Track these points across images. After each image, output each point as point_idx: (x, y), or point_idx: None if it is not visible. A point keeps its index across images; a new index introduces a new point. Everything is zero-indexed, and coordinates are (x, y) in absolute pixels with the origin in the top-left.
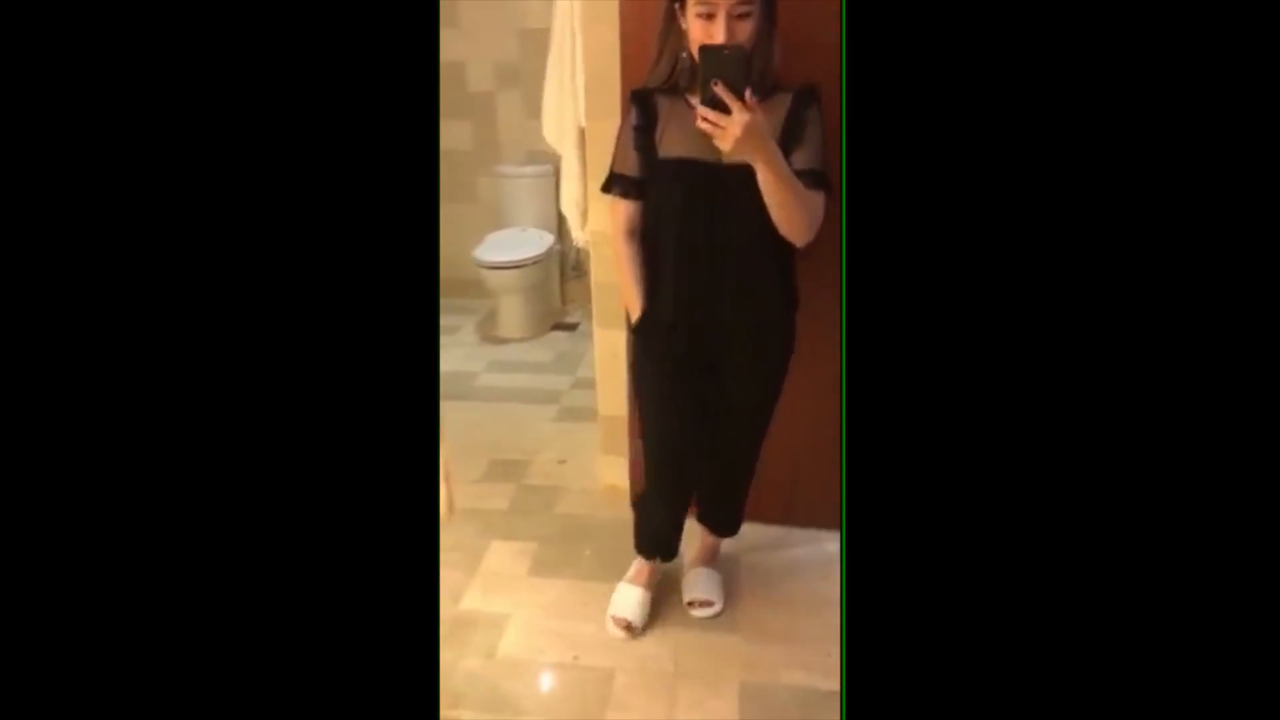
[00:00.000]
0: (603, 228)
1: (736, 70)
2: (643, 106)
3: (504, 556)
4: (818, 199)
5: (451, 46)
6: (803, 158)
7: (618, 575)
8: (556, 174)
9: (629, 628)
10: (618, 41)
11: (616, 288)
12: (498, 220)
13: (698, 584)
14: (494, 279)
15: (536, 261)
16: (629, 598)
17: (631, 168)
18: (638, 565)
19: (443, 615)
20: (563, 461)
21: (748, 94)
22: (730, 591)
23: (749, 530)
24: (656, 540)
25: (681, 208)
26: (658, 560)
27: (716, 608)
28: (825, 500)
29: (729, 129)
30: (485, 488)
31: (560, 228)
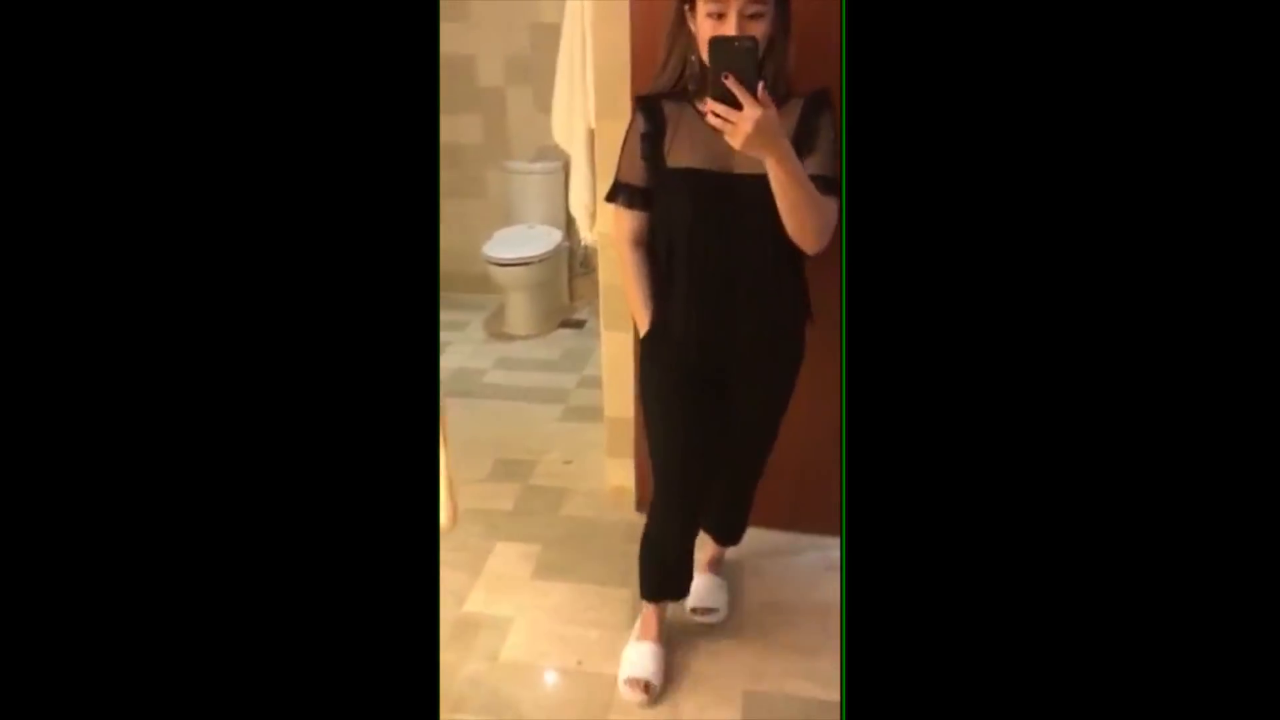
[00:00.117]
0: (610, 231)
1: (748, 63)
2: (649, 113)
3: (508, 558)
4: (831, 204)
5: (462, 40)
6: (815, 163)
7: (623, 579)
8: (566, 171)
9: (647, 689)
10: (628, 42)
11: (624, 289)
12: (507, 216)
13: (701, 591)
14: (502, 275)
15: (544, 259)
16: (642, 656)
17: (638, 177)
18: (645, 616)
19: (446, 617)
20: (568, 462)
21: (760, 88)
22: (734, 598)
23: (754, 535)
24: (665, 574)
25: (691, 220)
26: (667, 602)
27: (720, 614)
28: (831, 506)
29: (739, 125)
30: (490, 487)
31: (569, 225)
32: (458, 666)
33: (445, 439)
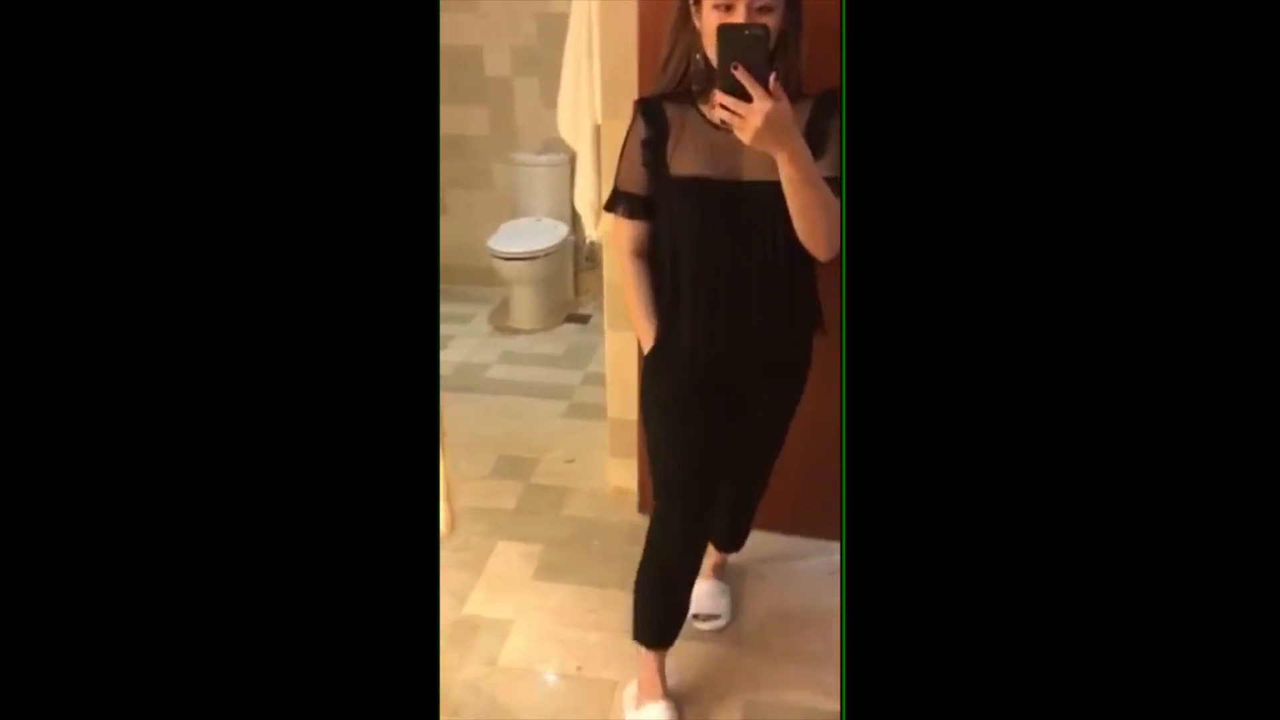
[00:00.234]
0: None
1: (759, 52)
2: (651, 118)
3: (510, 558)
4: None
5: (468, 30)
6: (825, 165)
7: (623, 582)
8: (573, 164)
9: None
10: (636, 37)
11: (625, 303)
12: (513, 208)
13: (704, 597)
14: (507, 269)
15: (550, 253)
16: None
17: (638, 185)
18: (646, 668)
19: (446, 618)
20: (571, 460)
21: (772, 79)
22: (737, 603)
23: (758, 539)
24: (670, 612)
25: (697, 230)
26: (666, 646)
27: (722, 621)
28: (835, 510)
29: (749, 118)
30: (493, 485)
31: (574, 218)
32: (456, 670)
33: (444, 443)
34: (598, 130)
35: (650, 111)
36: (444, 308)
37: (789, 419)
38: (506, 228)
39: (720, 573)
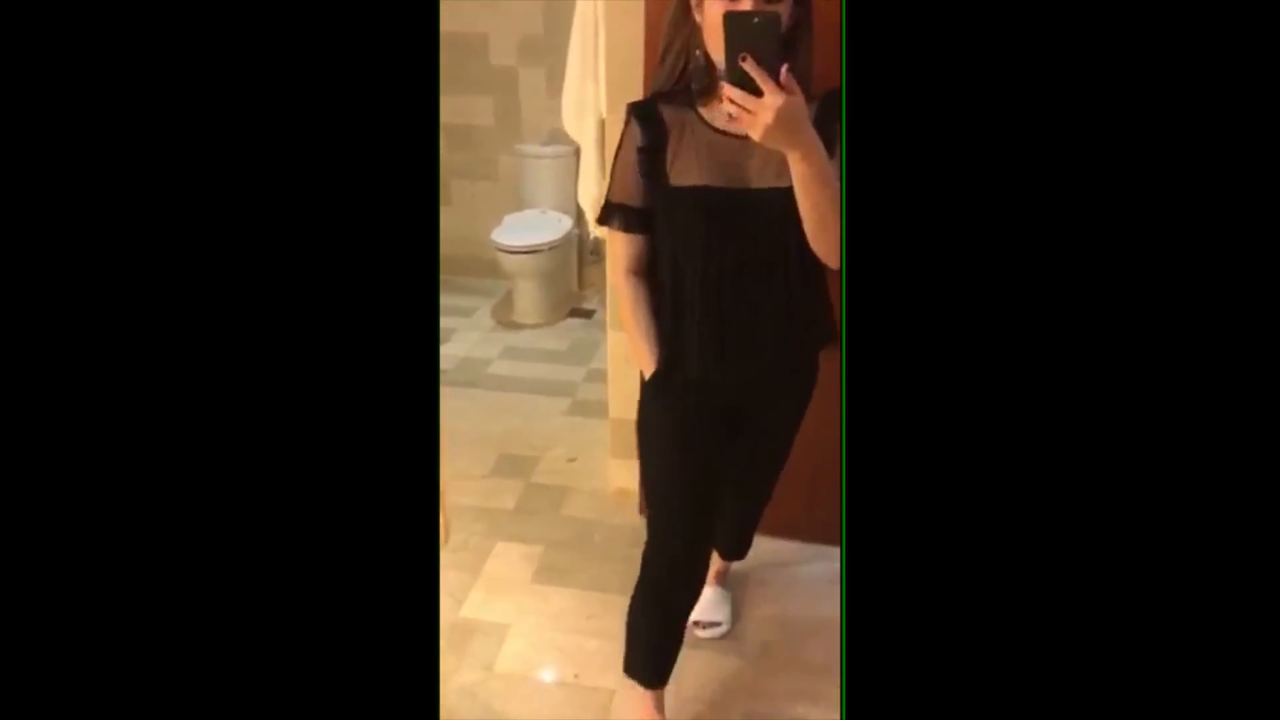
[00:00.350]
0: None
1: (769, 42)
2: (647, 123)
3: (509, 559)
4: None
5: (473, 18)
6: (834, 168)
7: (623, 587)
8: (578, 156)
9: None
10: (642, 29)
11: (623, 324)
12: (518, 200)
13: (705, 604)
14: (511, 262)
15: (554, 246)
16: None
17: (635, 197)
18: (644, 709)
19: (444, 620)
20: (572, 460)
21: (784, 71)
22: (738, 610)
23: (761, 544)
24: (670, 644)
25: (703, 244)
26: (662, 685)
27: (724, 629)
28: (839, 516)
29: (759, 114)
30: (493, 483)
31: (579, 211)
32: (452, 675)
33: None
34: (602, 124)
35: (646, 116)
36: (447, 300)
37: (795, 431)
38: (510, 220)
39: (722, 579)
